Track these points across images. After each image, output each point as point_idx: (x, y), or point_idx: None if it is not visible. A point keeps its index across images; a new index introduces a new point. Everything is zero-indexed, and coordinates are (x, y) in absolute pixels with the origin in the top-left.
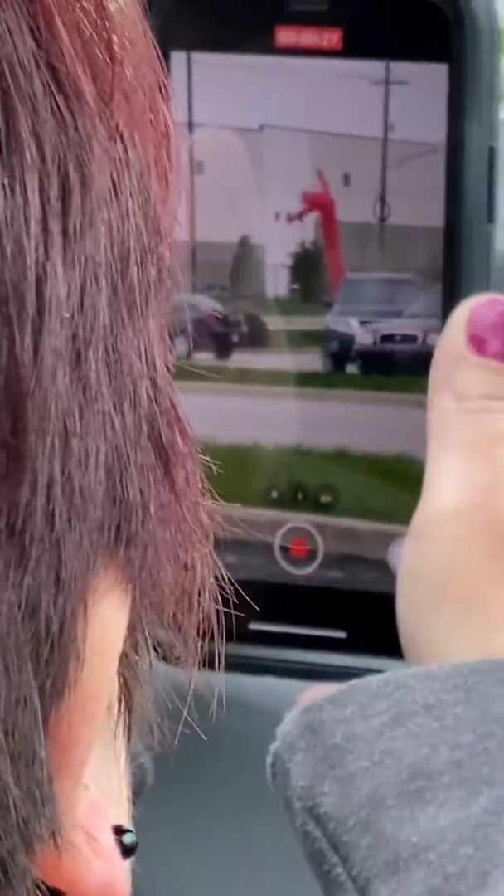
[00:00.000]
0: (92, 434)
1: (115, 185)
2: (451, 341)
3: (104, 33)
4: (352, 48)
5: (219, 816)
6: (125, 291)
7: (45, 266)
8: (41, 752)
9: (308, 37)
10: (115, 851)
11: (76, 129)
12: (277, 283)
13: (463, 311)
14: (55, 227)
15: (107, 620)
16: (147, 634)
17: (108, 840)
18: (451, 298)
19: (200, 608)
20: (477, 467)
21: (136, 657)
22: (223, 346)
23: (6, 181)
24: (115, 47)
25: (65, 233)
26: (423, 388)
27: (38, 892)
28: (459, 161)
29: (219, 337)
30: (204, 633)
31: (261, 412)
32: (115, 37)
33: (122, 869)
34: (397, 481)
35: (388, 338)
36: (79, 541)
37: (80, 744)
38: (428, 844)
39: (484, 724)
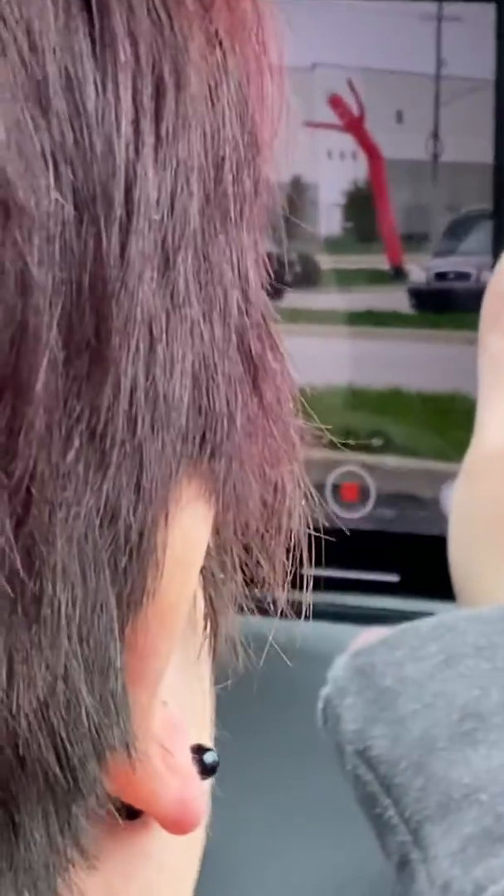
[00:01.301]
0: (178, 341)
1: (211, 91)
2: (500, 283)
3: None
4: None
5: (272, 762)
6: (218, 199)
7: (135, 166)
8: (117, 660)
9: None
10: (192, 769)
11: (173, 30)
12: (330, 221)
13: None
14: (147, 127)
15: (188, 531)
16: (234, 555)
17: (186, 758)
18: (501, 244)
19: (289, 530)
20: None
21: (223, 576)
22: (275, 287)
23: (98, 78)
24: None
25: (157, 134)
26: (476, 326)
27: (113, 809)
28: None
29: (271, 277)
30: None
31: (313, 353)
32: None
33: (198, 787)
34: (451, 420)
35: (441, 276)
36: (161, 448)
37: (158, 655)
38: (479, 785)
39: None
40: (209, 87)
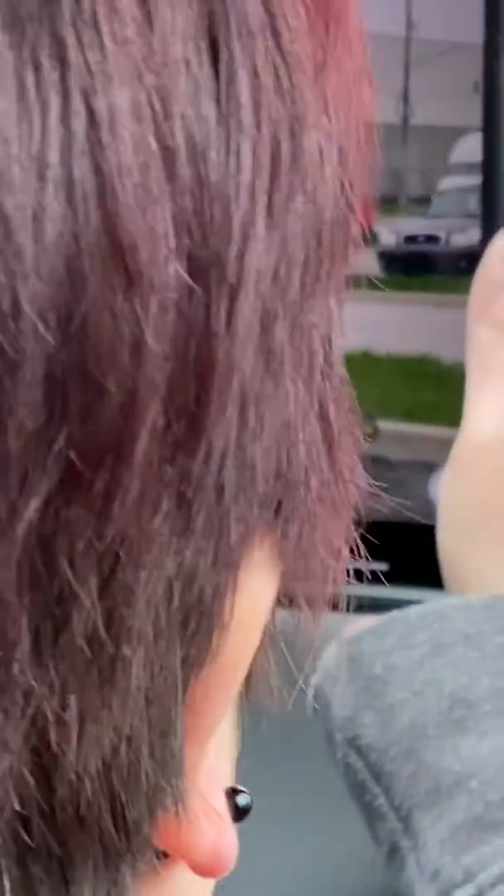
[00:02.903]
0: (268, 407)
1: (321, 156)
2: (491, 270)
3: (325, 4)
4: None
5: (261, 749)
6: (315, 265)
7: (248, 234)
8: (177, 721)
9: None
10: (227, 817)
11: (293, 98)
12: None
13: (501, 242)
14: (262, 196)
15: (256, 593)
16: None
17: (221, 805)
18: (488, 233)
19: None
20: None
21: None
22: None
23: (222, 145)
24: (334, 16)
25: (269, 203)
26: (446, 288)
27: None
28: (494, 98)
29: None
30: None
31: None
32: (333, 5)
33: (231, 836)
34: (420, 382)
35: (411, 238)
36: (242, 514)
37: (214, 713)
38: (469, 772)
39: None
40: (319, 154)
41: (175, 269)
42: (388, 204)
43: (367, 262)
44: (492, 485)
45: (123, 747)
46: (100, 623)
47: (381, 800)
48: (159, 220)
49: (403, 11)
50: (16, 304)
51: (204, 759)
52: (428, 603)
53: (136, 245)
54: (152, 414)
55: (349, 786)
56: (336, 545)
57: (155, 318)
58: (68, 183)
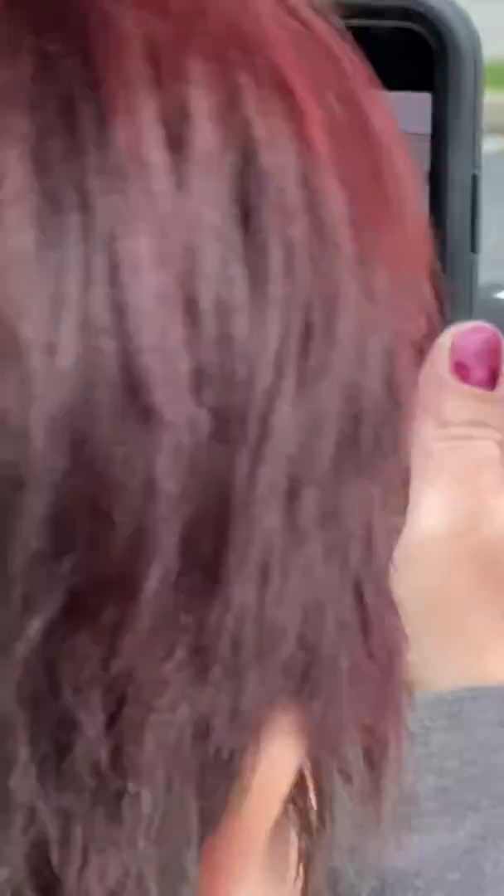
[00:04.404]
0: (293, 574)
1: (361, 343)
2: (435, 369)
3: (379, 194)
4: None
5: None
6: (352, 449)
7: (274, 398)
8: (190, 870)
9: None
10: None
11: (329, 279)
12: None
13: (447, 339)
14: (290, 365)
15: (276, 760)
16: (330, 798)
17: None
18: (436, 294)
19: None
20: (461, 494)
21: (316, 822)
22: None
23: (249, 310)
24: (388, 207)
25: (299, 373)
26: None
27: None
28: (443, 190)
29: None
30: None
31: None
32: (388, 197)
33: None
34: None
35: None
36: (262, 675)
37: (230, 875)
38: (414, 871)
39: (468, 751)
40: (358, 339)
41: (192, 414)
42: None
43: None
44: (435, 581)
45: (132, 883)
46: (103, 756)
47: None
48: (178, 364)
49: None
50: (25, 425)
51: None
52: None
53: (150, 383)
54: (165, 554)
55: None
56: (375, 729)
57: (169, 457)
58: (84, 315)
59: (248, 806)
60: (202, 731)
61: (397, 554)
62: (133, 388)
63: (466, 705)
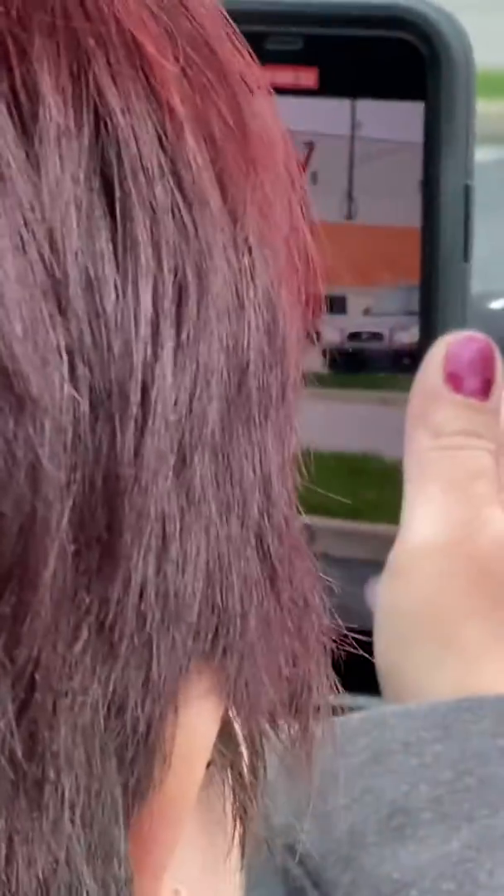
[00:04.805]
0: (192, 539)
1: (237, 296)
2: (428, 378)
3: (241, 144)
4: (328, 87)
5: None
6: (241, 403)
7: (153, 368)
8: (121, 847)
9: (284, 76)
10: None
11: (197, 237)
12: None
13: (440, 349)
14: (167, 331)
15: (196, 727)
16: (261, 749)
17: None
18: (427, 337)
19: (310, 716)
20: (455, 504)
21: (248, 774)
22: None
23: (118, 281)
24: (253, 155)
25: (177, 338)
26: (389, 386)
27: None
28: (436, 199)
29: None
30: None
31: None
32: (252, 145)
33: None
34: (362, 480)
35: (354, 335)
36: (171, 644)
37: (162, 845)
38: (409, 881)
39: (463, 761)
40: (235, 292)
41: (69, 394)
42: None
43: (311, 360)
44: (429, 591)
45: (63, 868)
46: (18, 746)
47: None
48: (49, 346)
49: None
50: None
51: (162, 892)
52: (368, 710)
53: (23, 370)
54: (58, 539)
55: (288, 892)
56: (292, 677)
57: (51, 441)
58: None
59: (172, 775)
60: (117, 707)
61: (392, 563)
62: (6, 378)
63: (461, 716)
